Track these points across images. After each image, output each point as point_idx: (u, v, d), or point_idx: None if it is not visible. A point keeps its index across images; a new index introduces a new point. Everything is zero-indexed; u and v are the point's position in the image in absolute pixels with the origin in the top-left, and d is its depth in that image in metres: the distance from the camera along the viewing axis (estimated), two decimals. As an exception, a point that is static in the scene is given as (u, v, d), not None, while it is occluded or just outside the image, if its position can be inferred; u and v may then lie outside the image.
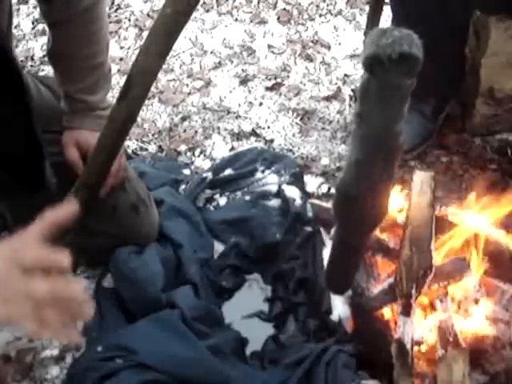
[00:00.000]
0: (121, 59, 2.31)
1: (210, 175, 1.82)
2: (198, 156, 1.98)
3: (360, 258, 1.36)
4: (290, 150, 1.99)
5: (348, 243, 1.30)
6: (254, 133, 2.05)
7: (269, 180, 1.81)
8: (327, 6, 2.54)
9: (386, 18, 1.95)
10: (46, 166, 1.32)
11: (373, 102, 1.04)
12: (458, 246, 1.48)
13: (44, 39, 2.40)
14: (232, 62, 2.32)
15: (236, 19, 2.50)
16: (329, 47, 2.37)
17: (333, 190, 1.78)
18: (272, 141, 2.02)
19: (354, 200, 1.17)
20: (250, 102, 2.16)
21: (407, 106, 1.06)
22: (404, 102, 1.05)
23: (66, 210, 0.91)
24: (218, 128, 2.07)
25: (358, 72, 2.21)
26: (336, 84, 2.22)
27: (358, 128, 1.10)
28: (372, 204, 1.18)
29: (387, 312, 1.40)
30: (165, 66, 2.17)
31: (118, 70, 2.26)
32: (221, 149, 2.00)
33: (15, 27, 2.42)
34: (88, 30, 1.35)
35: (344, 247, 1.32)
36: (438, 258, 1.43)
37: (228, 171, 1.85)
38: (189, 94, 2.21)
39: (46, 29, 2.48)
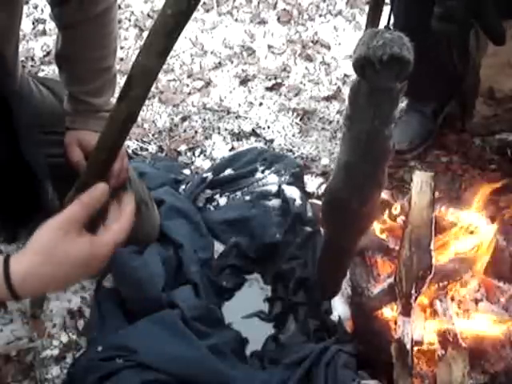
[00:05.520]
0: (121, 59, 2.31)
1: (210, 175, 1.82)
2: (198, 156, 1.98)
3: (348, 262, 1.36)
4: (290, 150, 1.99)
5: (336, 247, 1.29)
6: (254, 133, 2.05)
7: (269, 180, 1.81)
8: (327, 6, 2.54)
9: (386, 18, 1.94)
10: (47, 189, 1.29)
11: (363, 104, 1.04)
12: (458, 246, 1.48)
13: (44, 39, 2.40)
14: (232, 62, 2.32)
15: (236, 19, 2.50)
16: (329, 47, 2.37)
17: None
18: (272, 141, 2.02)
19: (343, 203, 1.16)
20: (250, 102, 2.16)
21: (398, 109, 1.06)
22: (394, 105, 1.05)
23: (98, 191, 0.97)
24: (218, 128, 2.07)
25: (358, 72, 2.21)
26: (336, 84, 2.22)
27: (348, 130, 1.10)
28: (361, 207, 1.17)
29: (387, 312, 1.40)
30: (165, 66, 2.17)
31: (118, 70, 2.25)
32: (221, 149, 2.00)
33: (15, 27, 2.42)
34: (99, 34, 1.35)
35: (332, 251, 1.31)
36: (439, 257, 1.43)
37: (228, 171, 1.85)
38: (189, 94, 2.21)
39: (47, 29, 2.48)
